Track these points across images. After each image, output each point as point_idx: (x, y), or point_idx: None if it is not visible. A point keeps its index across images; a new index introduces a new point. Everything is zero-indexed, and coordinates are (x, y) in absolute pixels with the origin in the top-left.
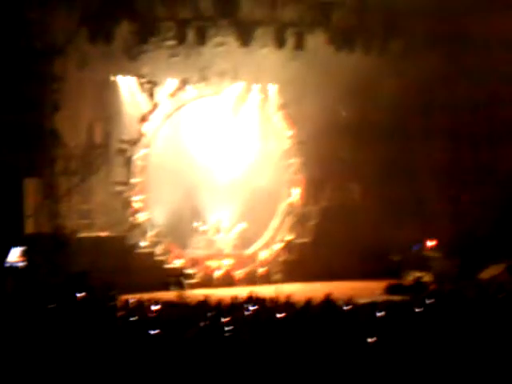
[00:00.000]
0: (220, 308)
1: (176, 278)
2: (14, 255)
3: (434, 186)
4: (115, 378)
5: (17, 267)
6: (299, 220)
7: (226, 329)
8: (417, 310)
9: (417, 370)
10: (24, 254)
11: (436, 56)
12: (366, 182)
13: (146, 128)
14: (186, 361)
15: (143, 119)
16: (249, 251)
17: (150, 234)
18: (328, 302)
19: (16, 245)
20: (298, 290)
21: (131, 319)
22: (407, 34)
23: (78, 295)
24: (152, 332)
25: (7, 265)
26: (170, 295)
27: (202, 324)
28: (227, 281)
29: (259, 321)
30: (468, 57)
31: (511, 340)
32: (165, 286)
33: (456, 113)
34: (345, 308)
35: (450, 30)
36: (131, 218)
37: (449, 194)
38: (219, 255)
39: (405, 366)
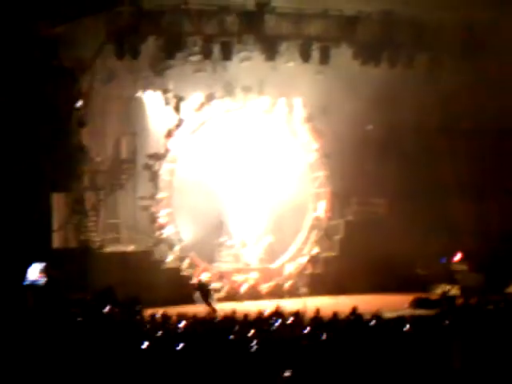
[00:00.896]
0: (246, 322)
1: (203, 292)
2: (35, 271)
3: (460, 200)
4: None
5: (37, 284)
6: (325, 234)
7: (252, 344)
8: (444, 323)
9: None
10: (45, 270)
11: (463, 69)
12: (391, 196)
13: (171, 143)
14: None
15: (169, 134)
16: (275, 265)
17: (176, 248)
18: (354, 316)
19: (37, 260)
20: (324, 304)
21: (157, 334)
22: (433, 47)
23: (105, 310)
24: (178, 347)
25: (27, 282)
26: (197, 310)
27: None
28: (253, 295)
29: (285, 335)
30: (495, 69)
31: None
32: (191, 301)
33: (482, 127)
34: (371, 323)
35: (477, 42)
36: (157, 233)
37: (475, 209)
38: (245, 269)
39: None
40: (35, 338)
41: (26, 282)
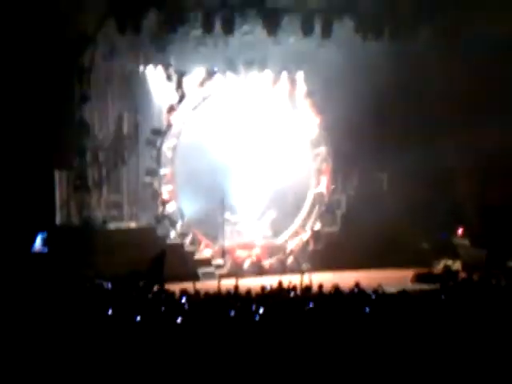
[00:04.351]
0: (250, 297)
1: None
2: (40, 242)
3: (463, 175)
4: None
5: (42, 253)
6: (327, 209)
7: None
8: (446, 298)
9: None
10: (47, 241)
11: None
12: (393, 171)
13: (174, 118)
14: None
15: (171, 109)
16: (278, 241)
17: (179, 224)
18: (357, 290)
19: (40, 232)
20: (327, 279)
21: (161, 309)
22: (436, 21)
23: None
24: (179, 320)
25: (34, 251)
26: (200, 285)
27: (232, 313)
28: (257, 270)
29: (288, 309)
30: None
31: None
32: (195, 277)
33: (487, 100)
34: (373, 297)
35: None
36: (160, 209)
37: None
38: (249, 245)
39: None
40: (39, 304)
41: (34, 251)
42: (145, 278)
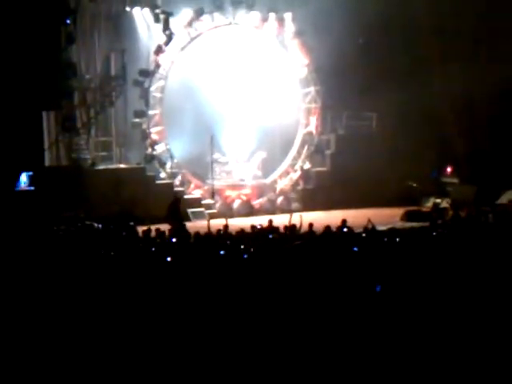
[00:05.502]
0: (240, 236)
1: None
2: (26, 181)
3: (452, 114)
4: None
5: (27, 191)
6: (316, 149)
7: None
8: (437, 235)
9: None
10: (34, 180)
11: None
12: (382, 110)
13: (161, 59)
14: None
15: (159, 50)
16: (267, 180)
17: (168, 165)
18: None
19: (25, 171)
20: (317, 218)
21: (151, 249)
22: None
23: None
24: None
25: (18, 189)
26: (190, 225)
27: (222, 252)
28: (247, 210)
29: (278, 248)
30: None
31: None
32: (186, 217)
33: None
34: (363, 235)
35: None
36: (149, 150)
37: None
38: (238, 185)
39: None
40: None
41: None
42: (165, 221)
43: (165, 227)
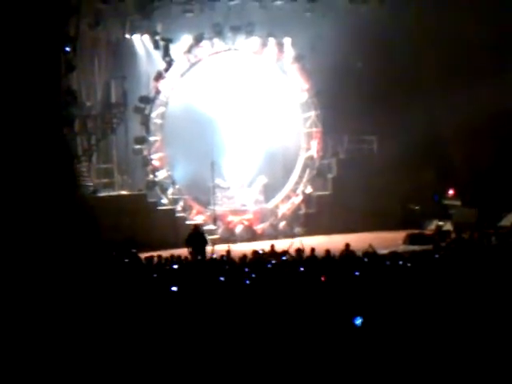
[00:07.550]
0: (243, 262)
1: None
2: None
3: (452, 137)
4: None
5: None
6: (318, 172)
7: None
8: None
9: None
10: None
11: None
12: (382, 133)
13: (162, 85)
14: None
15: (159, 77)
16: (269, 205)
17: (170, 191)
18: (348, 253)
19: None
20: (319, 243)
21: (153, 276)
22: None
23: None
24: (174, 288)
25: None
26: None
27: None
28: (249, 235)
29: (281, 272)
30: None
31: None
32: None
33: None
34: (365, 259)
35: None
36: (151, 176)
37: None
38: (240, 210)
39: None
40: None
41: None
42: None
43: (166, 254)
